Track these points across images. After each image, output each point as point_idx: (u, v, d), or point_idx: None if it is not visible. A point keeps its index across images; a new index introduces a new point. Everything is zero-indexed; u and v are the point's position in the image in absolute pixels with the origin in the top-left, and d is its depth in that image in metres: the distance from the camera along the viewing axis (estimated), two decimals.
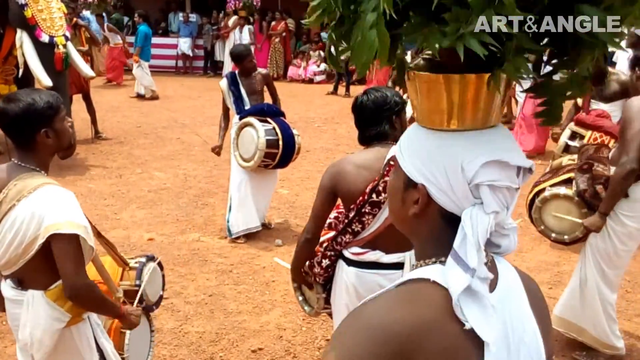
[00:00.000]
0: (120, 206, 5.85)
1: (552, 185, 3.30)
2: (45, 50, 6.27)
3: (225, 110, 5.19)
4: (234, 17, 14.32)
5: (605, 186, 3.06)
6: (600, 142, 3.53)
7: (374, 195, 2.36)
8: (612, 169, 3.10)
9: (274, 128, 4.86)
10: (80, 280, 1.98)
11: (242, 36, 13.92)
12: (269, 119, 4.92)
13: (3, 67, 6.78)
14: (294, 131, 4.99)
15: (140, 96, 11.56)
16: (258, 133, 4.75)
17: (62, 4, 6.54)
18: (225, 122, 5.21)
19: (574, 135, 4.47)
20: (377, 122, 2.46)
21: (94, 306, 2.12)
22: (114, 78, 13.11)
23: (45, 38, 6.24)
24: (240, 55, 4.97)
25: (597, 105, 4.85)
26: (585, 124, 4.47)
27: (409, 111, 5.31)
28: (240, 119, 5.00)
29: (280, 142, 4.84)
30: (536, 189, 3.39)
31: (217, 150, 5.26)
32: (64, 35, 6.41)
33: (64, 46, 6.37)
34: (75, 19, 8.01)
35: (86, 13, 14.37)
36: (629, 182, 3.00)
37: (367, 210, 2.37)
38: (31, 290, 2.07)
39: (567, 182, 3.26)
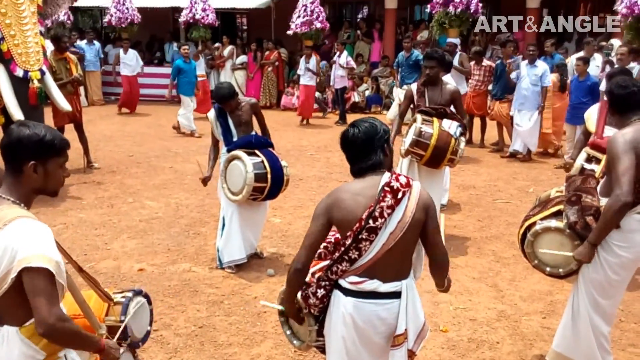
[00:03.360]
0: (111, 236, 5.80)
1: (542, 219, 3.29)
2: (20, 85, 6.28)
3: (215, 140, 5.19)
4: (229, 47, 14.46)
5: (595, 217, 3.06)
6: (588, 174, 3.52)
7: (370, 221, 2.38)
8: (603, 200, 3.10)
9: (262, 161, 4.84)
10: (52, 317, 1.91)
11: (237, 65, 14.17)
12: (257, 152, 4.91)
13: None
14: (283, 163, 4.98)
15: (176, 129, 11.18)
16: (246, 167, 4.73)
17: (41, 38, 6.52)
18: (214, 152, 5.21)
19: (589, 159, 4.44)
20: (371, 153, 2.48)
21: (69, 342, 2.05)
22: (125, 106, 13.42)
23: (19, 72, 6.25)
24: (223, 97, 4.92)
25: (612, 131, 4.80)
26: (601, 148, 4.44)
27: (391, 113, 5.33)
28: (228, 151, 4.99)
29: (269, 176, 4.81)
30: (527, 223, 3.38)
31: (205, 181, 5.24)
32: (40, 69, 6.40)
33: (39, 81, 6.38)
34: (66, 53, 8.02)
35: (80, 43, 14.52)
36: (621, 215, 3.01)
37: (364, 237, 2.39)
38: (6, 326, 2.02)
39: (557, 214, 3.26)
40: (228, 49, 14.44)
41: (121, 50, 13.53)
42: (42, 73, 6.43)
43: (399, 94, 8.95)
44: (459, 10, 11.33)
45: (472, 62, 10.04)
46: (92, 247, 5.51)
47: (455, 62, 9.45)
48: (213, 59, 14.38)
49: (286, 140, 10.19)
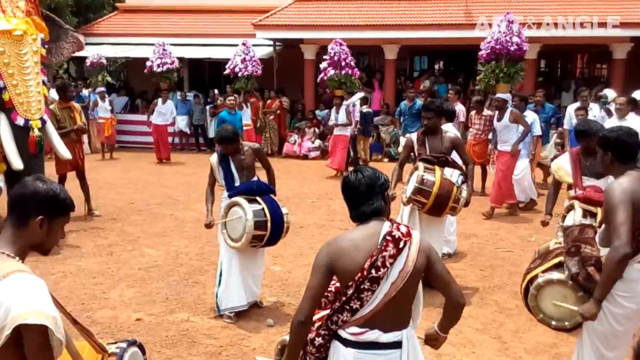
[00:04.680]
0: (109, 285, 5.74)
1: (544, 271, 3.26)
2: (20, 133, 6.32)
3: (212, 182, 5.21)
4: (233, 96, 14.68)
5: (596, 267, 3.03)
6: (585, 224, 3.50)
7: (373, 271, 2.36)
8: (603, 250, 3.08)
9: (262, 209, 4.82)
10: None
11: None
12: (258, 198, 4.90)
13: None
14: (284, 210, 4.97)
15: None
16: (246, 215, 4.72)
17: (43, 87, 6.61)
18: (212, 195, 5.21)
19: (585, 215, 4.40)
20: (373, 198, 2.50)
21: None
22: (160, 155, 13.55)
23: (20, 121, 6.31)
24: (224, 139, 4.97)
25: (589, 181, 4.79)
26: (593, 201, 4.41)
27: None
28: (230, 196, 4.99)
29: (269, 224, 4.79)
30: (529, 277, 3.35)
31: (211, 225, 5.20)
32: (41, 118, 6.47)
33: (40, 129, 6.44)
34: (70, 102, 8.16)
35: (85, 92, 14.78)
36: (623, 266, 2.98)
37: (366, 287, 2.37)
38: None
39: (559, 266, 3.23)
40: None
41: (160, 100, 13.59)
42: (43, 122, 6.50)
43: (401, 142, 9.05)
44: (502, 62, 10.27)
45: (473, 112, 10.19)
46: (90, 296, 5.44)
47: (506, 120, 8.45)
48: (215, 107, 14.59)
49: (287, 188, 10.21)
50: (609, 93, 10.54)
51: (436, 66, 19.43)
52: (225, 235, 4.93)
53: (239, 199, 4.85)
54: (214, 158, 5.14)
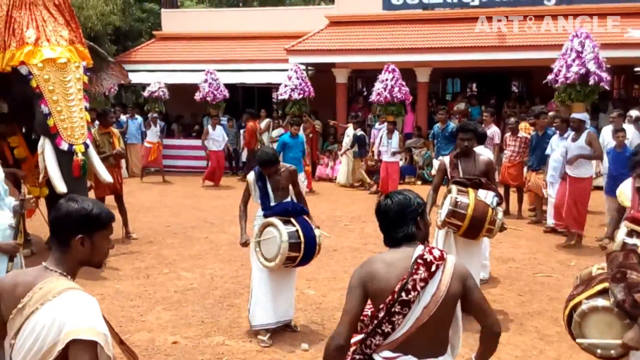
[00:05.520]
0: (146, 307, 5.81)
1: (587, 298, 3.16)
2: (65, 158, 6.51)
3: (246, 199, 5.29)
4: (266, 120, 14.89)
5: None
6: (630, 249, 3.38)
7: (403, 294, 2.34)
8: None
9: (297, 231, 4.91)
10: None
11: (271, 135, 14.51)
12: (292, 220, 4.99)
13: (35, 170, 7.07)
14: (316, 231, 5.04)
15: None
16: (281, 236, 4.79)
17: (85, 113, 6.82)
18: (245, 213, 5.30)
19: (630, 233, 4.29)
20: (403, 224, 2.49)
21: None
22: (209, 179, 13.57)
23: (64, 146, 6.50)
24: (266, 162, 5.03)
25: None
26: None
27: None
28: (265, 216, 5.07)
29: (302, 246, 4.88)
30: (572, 303, 3.24)
31: (246, 244, 5.25)
32: (84, 143, 6.66)
33: (83, 154, 6.62)
34: (110, 128, 8.40)
35: (124, 118, 15.19)
36: None
37: (397, 310, 2.35)
38: None
39: (603, 293, 3.13)
40: (265, 121, 14.88)
41: (210, 127, 13.80)
42: (86, 146, 6.70)
43: (434, 165, 8.99)
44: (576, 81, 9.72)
45: (508, 134, 10.09)
46: (128, 318, 5.51)
47: (582, 141, 7.99)
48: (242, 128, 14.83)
49: (320, 210, 10.22)
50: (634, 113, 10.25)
51: (469, 88, 19.33)
52: (259, 254, 5.01)
53: (274, 220, 4.93)
54: (251, 176, 5.23)
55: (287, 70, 14.79)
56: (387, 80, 12.40)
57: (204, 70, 14.84)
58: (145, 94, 15.18)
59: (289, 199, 5.21)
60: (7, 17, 6.55)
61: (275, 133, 14.73)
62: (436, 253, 2.43)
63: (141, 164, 14.56)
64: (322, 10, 18.34)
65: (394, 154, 11.39)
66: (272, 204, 5.11)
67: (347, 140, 13.65)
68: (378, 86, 12.66)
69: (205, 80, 14.51)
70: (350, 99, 17.34)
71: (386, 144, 11.46)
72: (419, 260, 2.39)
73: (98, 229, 2.14)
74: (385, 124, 12.84)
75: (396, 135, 11.41)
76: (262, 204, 5.15)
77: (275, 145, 14.33)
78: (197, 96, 14.65)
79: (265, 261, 4.95)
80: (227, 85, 15.16)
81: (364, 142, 13.36)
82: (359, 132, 13.03)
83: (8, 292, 2.09)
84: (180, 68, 16.96)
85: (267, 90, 19.08)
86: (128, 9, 20.62)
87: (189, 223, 9.60)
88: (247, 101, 18.68)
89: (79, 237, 2.09)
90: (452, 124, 10.58)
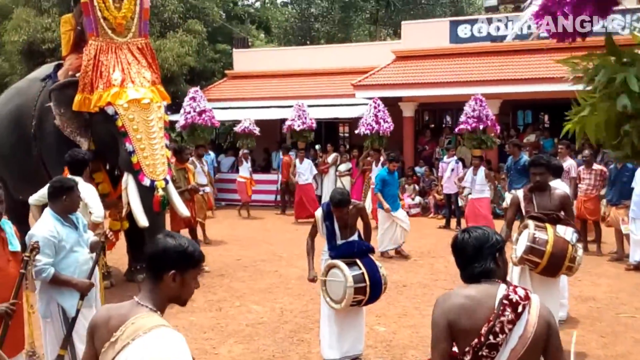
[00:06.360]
0: (219, 340, 5.92)
1: None
2: (146, 193, 6.83)
3: (314, 233, 5.37)
4: (333, 154, 15.04)
5: None
6: None
7: (490, 337, 2.29)
8: None
9: (362, 274, 4.96)
10: None
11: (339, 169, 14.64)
12: (358, 261, 5.04)
13: (117, 205, 7.45)
14: (382, 271, 5.07)
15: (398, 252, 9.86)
16: (347, 281, 4.86)
17: (166, 150, 7.18)
18: (312, 247, 5.39)
19: None
20: (481, 260, 2.45)
21: None
22: (299, 215, 13.29)
23: (147, 182, 6.82)
24: (340, 202, 5.06)
25: None
26: None
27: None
28: (330, 257, 5.14)
29: (368, 289, 4.94)
30: None
31: (314, 280, 5.33)
32: (165, 179, 6.97)
33: (163, 189, 6.92)
34: (185, 164, 8.76)
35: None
36: None
37: (484, 354, 2.30)
38: None
39: None
40: (332, 156, 15.04)
41: (297, 160, 13.95)
42: (166, 182, 7.01)
43: (507, 199, 8.74)
44: None
45: (582, 167, 9.73)
46: (201, 351, 5.63)
47: None
48: (317, 165, 14.98)
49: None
50: None
51: (541, 120, 18.83)
52: (326, 294, 5.09)
53: (340, 263, 5.00)
54: (319, 213, 5.31)
55: (354, 105, 14.89)
56: (475, 109, 11.50)
57: (274, 107, 15.19)
58: (237, 129, 15.42)
59: (355, 236, 5.24)
60: (95, 60, 7.04)
61: (343, 167, 14.86)
62: (521, 293, 2.37)
63: (242, 200, 14.49)
64: (389, 45, 18.48)
65: (481, 190, 10.54)
66: (339, 242, 5.16)
67: (480, 178, 12.39)
68: (463, 116, 11.78)
69: (294, 113, 14.52)
70: (417, 132, 17.27)
71: (470, 180, 10.71)
72: (505, 301, 2.34)
73: (190, 267, 2.22)
74: (454, 157, 12.68)
75: (482, 171, 10.63)
76: (328, 242, 5.22)
77: (343, 181, 14.55)
78: (285, 127, 14.70)
79: (332, 302, 5.05)
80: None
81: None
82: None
83: (102, 325, 2.20)
84: (250, 105, 17.50)
85: (334, 124, 19.33)
86: (202, 50, 21.58)
87: (259, 256, 9.76)
88: (315, 136, 18.96)
89: (172, 272, 2.17)
90: (525, 157, 10.31)
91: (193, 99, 13.80)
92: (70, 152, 6.12)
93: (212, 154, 15.72)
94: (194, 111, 13.57)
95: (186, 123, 13.62)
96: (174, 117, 12.45)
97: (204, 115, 13.63)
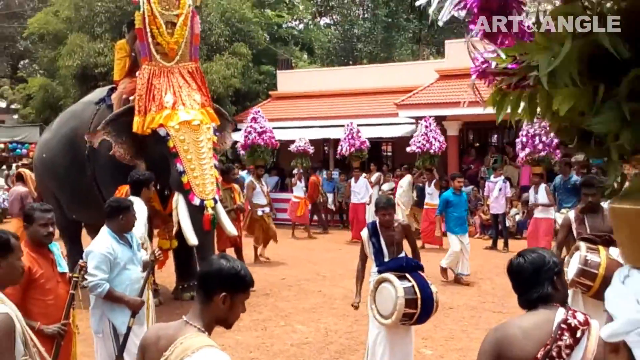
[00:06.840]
0: None
1: None
2: (196, 212, 6.98)
3: (364, 257, 5.30)
4: (377, 174, 15.02)
5: None
6: None
7: None
8: None
9: (413, 286, 4.82)
10: None
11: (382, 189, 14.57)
12: (407, 275, 4.92)
13: (167, 224, 7.63)
14: (433, 288, 4.93)
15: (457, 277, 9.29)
16: (397, 292, 4.73)
17: (215, 170, 7.34)
18: (362, 273, 5.31)
19: None
20: (538, 284, 2.39)
21: None
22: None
23: (196, 201, 6.97)
24: (385, 205, 5.14)
25: None
26: None
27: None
28: (379, 272, 5.06)
29: (419, 302, 4.77)
30: None
31: (356, 305, 5.29)
32: (214, 198, 7.10)
33: (213, 208, 7.05)
34: (232, 184, 8.93)
35: (242, 173, 15.98)
36: None
37: None
38: None
39: None
40: (375, 175, 15.02)
41: (352, 180, 13.96)
42: (215, 202, 7.16)
43: (557, 219, 8.52)
44: None
45: None
46: None
47: None
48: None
49: (433, 265, 10.00)
50: None
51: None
52: (375, 311, 4.96)
53: (389, 276, 4.89)
54: (364, 233, 5.29)
55: (397, 124, 14.80)
56: (534, 128, 10.97)
57: (318, 127, 15.30)
58: (292, 149, 15.53)
59: (402, 254, 5.19)
60: (148, 84, 7.29)
61: (386, 187, 14.80)
62: (580, 317, 2.31)
63: (292, 220, 14.52)
64: (432, 64, 18.44)
65: (542, 209, 10.11)
66: (386, 259, 5.11)
67: (400, 192, 13.23)
68: (523, 137, 11.46)
69: (345, 133, 14.54)
70: (462, 151, 17.09)
71: (533, 199, 10.36)
72: (563, 325, 2.28)
73: (241, 290, 2.25)
74: (502, 176, 12.47)
75: (543, 189, 10.21)
76: (375, 260, 5.16)
77: None
78: (340, 149, 14.62)
79: (382, 318, 4.89)
80: (336, 140, 15.54)
81: (422, 193, 12.93)
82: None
83: (152, 345, 2.25)
84: (294, 125, 17.70)
85: (377, 144, 19.33)
86: (247, 72, 22.00)
87: (303, 276, 9.79)
88: None
89: (223, 294, 2.20)
90: (575, 176, 10.07)
91: (254, 119, 13.84)
92: (132, 173, 6.33)
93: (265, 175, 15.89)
94: (255, 132, 13.58)
95: (246, 143, 13.61)
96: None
97: (264, 136, 13.62)
